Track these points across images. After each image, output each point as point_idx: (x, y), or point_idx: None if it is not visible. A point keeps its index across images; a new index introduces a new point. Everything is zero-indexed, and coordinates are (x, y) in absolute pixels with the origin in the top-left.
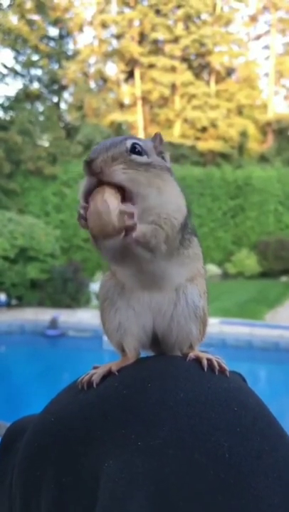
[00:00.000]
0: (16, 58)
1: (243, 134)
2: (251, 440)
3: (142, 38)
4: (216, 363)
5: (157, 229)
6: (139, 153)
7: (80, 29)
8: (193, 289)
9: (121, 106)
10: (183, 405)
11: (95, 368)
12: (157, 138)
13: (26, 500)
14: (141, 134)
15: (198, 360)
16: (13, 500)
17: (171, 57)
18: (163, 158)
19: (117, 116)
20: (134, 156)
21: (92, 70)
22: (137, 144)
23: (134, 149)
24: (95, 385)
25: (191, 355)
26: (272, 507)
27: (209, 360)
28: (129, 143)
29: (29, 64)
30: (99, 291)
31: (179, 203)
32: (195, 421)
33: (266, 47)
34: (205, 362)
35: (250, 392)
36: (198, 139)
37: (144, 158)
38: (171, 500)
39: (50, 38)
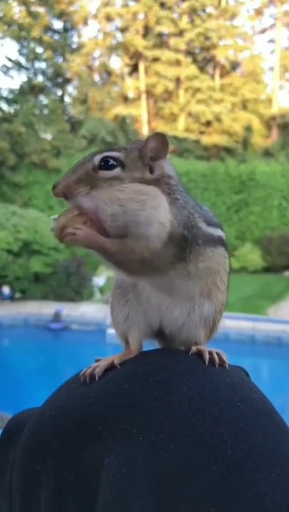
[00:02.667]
0: (20, 51)
1: (248, 129)
2: (254, 436)
3: (147, 31)
4: (216, 357)
5: (124, 245)
6: (112, 167)
7: (85, 22)
8: (210, 307)
9: (125, 99)
10: (185, 400)
11: (97, 360)
12: (148, 142)
13: (26, 494)
14: (145, 128)
15: (199, 354)
16: (13, 494)
17: (176, 50)
18: (151, 167)
19: (121, 109)
20: (101, 172)
21: (96, 64)
22: (110, 157)
23: (107, 163)
24: (97, 379)
25: (194, 348)
26: (275, 503)
27: (210, 354)
28: (97, 159)
29: (33, 57)
30: (114, 276)
31: (150, 218)
32: (197, 416)
33: (271, 41)
34: (207, 355)
35: (254, 387)
36: (202, 133)
37: (113, 172)
38: (173, 497)
39: (54, 31)
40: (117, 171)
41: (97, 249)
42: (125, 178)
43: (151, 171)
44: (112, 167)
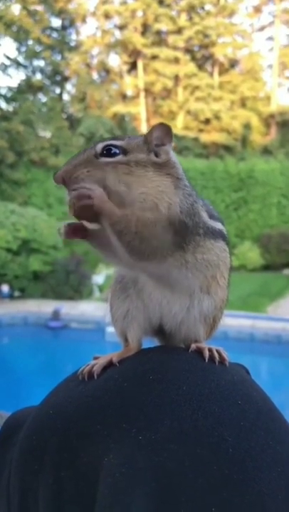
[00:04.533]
0: (18, 49)
1: (247, 126)
2: (255, 434)
3: (145, 28)
4: (216, 354)
5: (127, 223)
6: (115, 154)
7: (83, 20)
8: (210, 303)
9: (124, 97)
10: (185, 399)
11: (95, 358)
12: (153, 130)
13: (24, 493)
14: (144, 126)
15: (199, 352)
16: (11, 493)
17: (175, 48)
18: (157, 152)
19: (119, 107)
20: (103, 159)
21: (94, 61)
22: (112, 146)
23: (110, 151)
24: (95, 377)
25: (193, 346)
26: (276, 502)
27: (210, 351)
28: (99, 147)
29: (32, 55)
30: (114, 272)
31: (154, 199)
32: (198, 415)
33: (270, 38)
34: (206, 353)
35: (254, 385)
36: (201, 130)
37: (116, 158)
38: (173, 497)
39: (52, 29)
40: (120, 157)
41: (105, 213)
42: (129, 160)
43: (157, 155)
44: (114, 155)
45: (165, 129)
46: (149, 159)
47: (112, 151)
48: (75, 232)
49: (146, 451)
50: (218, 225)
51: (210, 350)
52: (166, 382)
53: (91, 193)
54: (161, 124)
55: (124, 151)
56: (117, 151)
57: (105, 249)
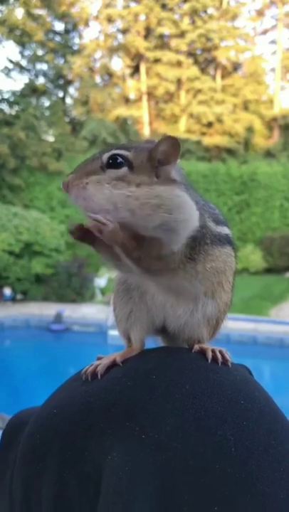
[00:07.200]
0: (21, 53)
1: (249, 130)
2: (258, 434)
3: (148, 32)
4: (219, 355)
5: (144, 252)
6: (120, 165)
7: (86, 23)
8: (213, 307)
9: (126, 101)
10: (189, 398)
11: (99, 358)
12: (159, 145)
13: (27, 494)
14: (146, 129)
15: (202, 352)
16: (14, 493)
17: (177, 51)
18: (157, 172)
19: (122, 111)
20: (109, 171)
21: (97, 65)
22: (118, 155)
23: (116, 160)
24: (99, 376)
25: (197, 346)
26: (278, 502)
27: (213, 352)
28: (105, 157)
29: (35, 59)
30: (117, 273)
31: (160, 215)
32: (201, 414)
33: (273, 42)
34: (210, 353)
35: (257, 386)
36: (203, 134)
37: (120, 171)
38: (176, 495)
39: (55, 33)
40: (125, 170)
41: (118, 245)
42: (131, 181)
43: (158, 176)
44: (120, 165)
45: (172, 144)
46: (152, 181)
47: (118, 161)
48: (85, 235)
49: (150, 449)
50: (225, 230)
51: (213, 350)
52: (169, 382)
53: (103, 227)
54: (169, 138)
55: (130, 165)
56: (123, 161)
57: (114, 259)
